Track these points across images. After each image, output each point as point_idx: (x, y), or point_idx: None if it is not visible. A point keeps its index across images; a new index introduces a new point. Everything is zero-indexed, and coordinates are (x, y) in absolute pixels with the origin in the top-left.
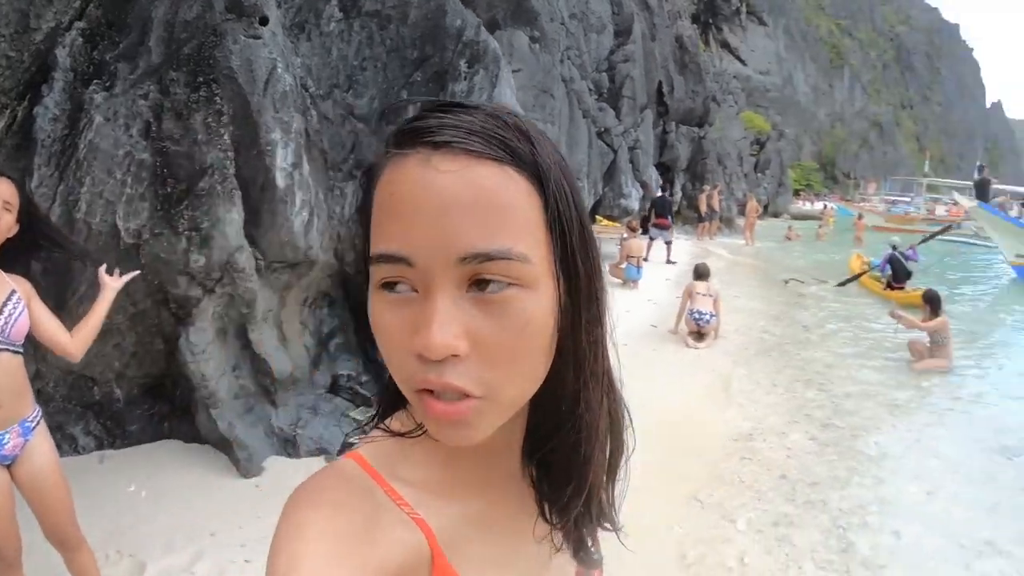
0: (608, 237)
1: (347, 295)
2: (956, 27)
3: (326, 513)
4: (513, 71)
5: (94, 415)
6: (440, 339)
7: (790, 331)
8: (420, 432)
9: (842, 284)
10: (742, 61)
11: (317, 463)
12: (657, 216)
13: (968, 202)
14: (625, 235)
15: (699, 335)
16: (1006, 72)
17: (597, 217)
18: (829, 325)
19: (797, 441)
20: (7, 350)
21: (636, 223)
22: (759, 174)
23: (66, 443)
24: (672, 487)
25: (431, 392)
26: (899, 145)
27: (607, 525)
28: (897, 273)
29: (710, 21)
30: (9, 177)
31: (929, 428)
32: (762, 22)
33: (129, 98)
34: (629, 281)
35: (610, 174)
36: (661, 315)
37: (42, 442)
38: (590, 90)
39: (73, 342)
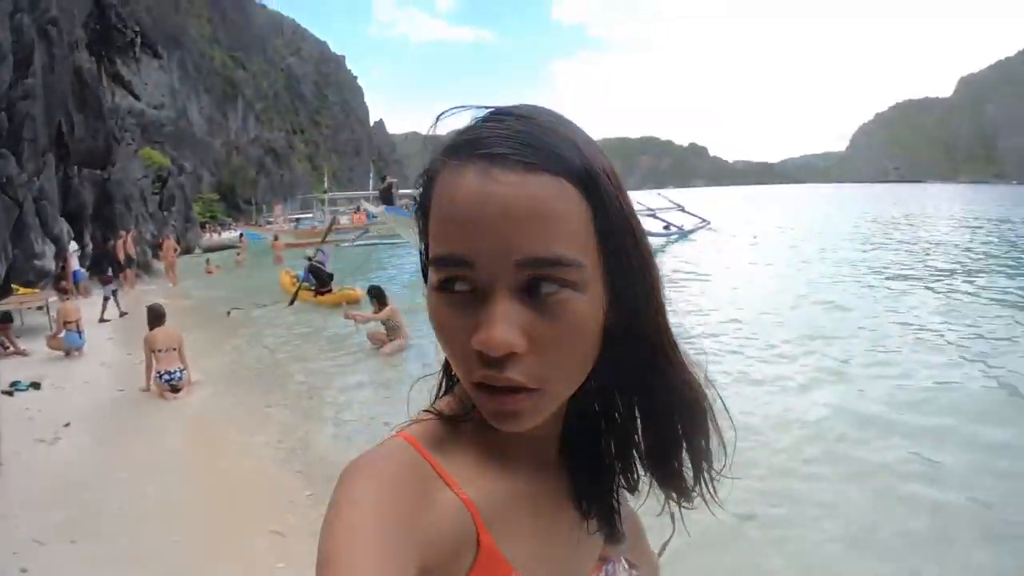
0: (32, 307)
1: None
2: (343, 58)
3: (380, 487)
4: None
5: None
6: (500, 337)
7: (258, 357)
8: (469, 417)
9: (291, 303)
10: (136, 96)
11: None
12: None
13: (376, 208)
14: (54, 298)
15: (174, 389)
16: (386, 94)
17: (13, 287)
18: (292, 342)
19: (325, 441)
20: None
21: (68, 284)
22: (165, 212)
23: None
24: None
25: (487, 385)
26: (294, 167)
27: (695, 500)
28: (320, 279)
29: (103, 53)
30: None
31: (417, 396)
32: (156, 55)
33: None
34: (72, 350)
35: (18, 232)
36: (122, 376)
37: None
38: None
39: None
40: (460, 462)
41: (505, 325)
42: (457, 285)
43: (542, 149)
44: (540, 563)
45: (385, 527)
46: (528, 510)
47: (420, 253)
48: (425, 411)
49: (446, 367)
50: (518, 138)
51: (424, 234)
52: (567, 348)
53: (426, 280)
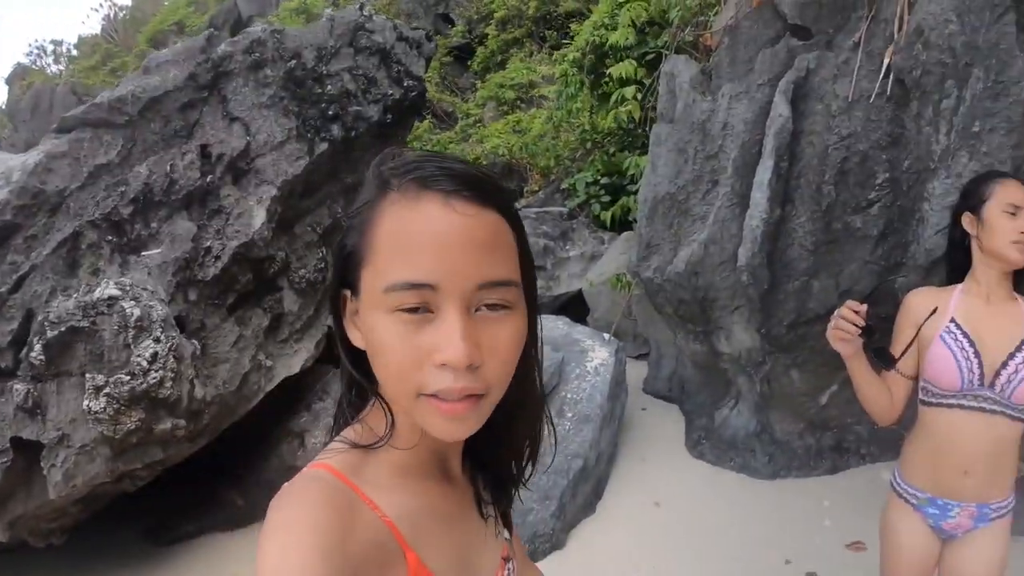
0: None
1: None
2: None
3: (311, 511)
4: None
5: None
6: (467, 351)
7: None
8: (382, 443)
9: None
10: None
11: None
12: None
13: None
14: None
15: None
16: None
17: None
18: None
19: None
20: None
21: None
22: None
23: None
24: None
25: (436, 396)
26: None
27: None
28: None
29: None
30: None
31: None
32: None
33: None
34: None
35: None
36: None
37: (991, 540)
38: None
39: None
40: (379, 486)
41: (468, 341)
42: (420, 310)
43: (486, 188)
44: (459, 571)
45: (318, 549)
46: (444, 523)
47: (336, 279)
48: (337, 441)
49: (343, 402)
50: (466, 177)
51: (356, 260)
52: (507, 360)
53: (337, 309)
